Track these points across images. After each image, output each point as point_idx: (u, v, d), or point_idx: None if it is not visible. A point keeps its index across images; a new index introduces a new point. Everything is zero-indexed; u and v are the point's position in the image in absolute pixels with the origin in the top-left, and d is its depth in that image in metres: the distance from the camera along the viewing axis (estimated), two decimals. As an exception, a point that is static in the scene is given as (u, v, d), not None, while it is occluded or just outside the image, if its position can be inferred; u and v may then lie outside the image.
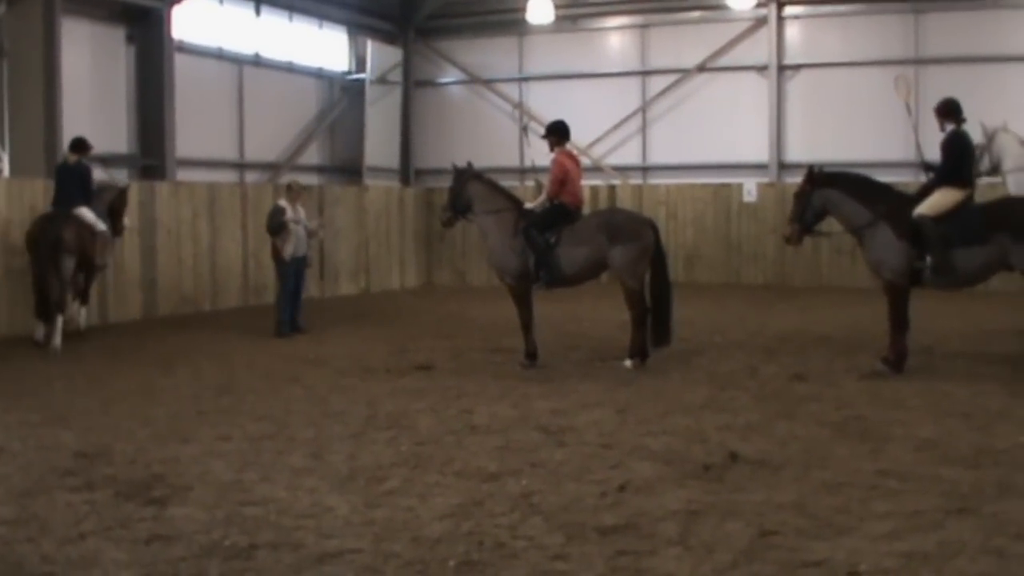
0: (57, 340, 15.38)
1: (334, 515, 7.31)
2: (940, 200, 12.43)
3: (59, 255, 15.67)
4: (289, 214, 16.97)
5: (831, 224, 13.48)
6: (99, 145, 20.25)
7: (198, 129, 22.36)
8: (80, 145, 16.50)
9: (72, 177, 16.30)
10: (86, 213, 16.24)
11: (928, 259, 12.31)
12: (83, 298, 17.15)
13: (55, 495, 7.85)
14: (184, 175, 21.56)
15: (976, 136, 14.00)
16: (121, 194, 17.65)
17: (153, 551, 6.62)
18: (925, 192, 12.72)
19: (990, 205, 12.59)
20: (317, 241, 18.66)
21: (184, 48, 22.11)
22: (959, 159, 12.61)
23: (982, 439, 9.26)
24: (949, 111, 12.81)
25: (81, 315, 17.13)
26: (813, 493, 7.64)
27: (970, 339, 15.31)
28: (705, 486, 7.88)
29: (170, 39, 21.08)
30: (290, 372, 13.53)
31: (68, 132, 18.81)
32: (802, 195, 13.19)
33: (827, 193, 13.00)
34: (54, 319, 15.52)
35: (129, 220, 17.95)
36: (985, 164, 14.11)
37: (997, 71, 23.25)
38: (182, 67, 21.53)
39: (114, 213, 17.25)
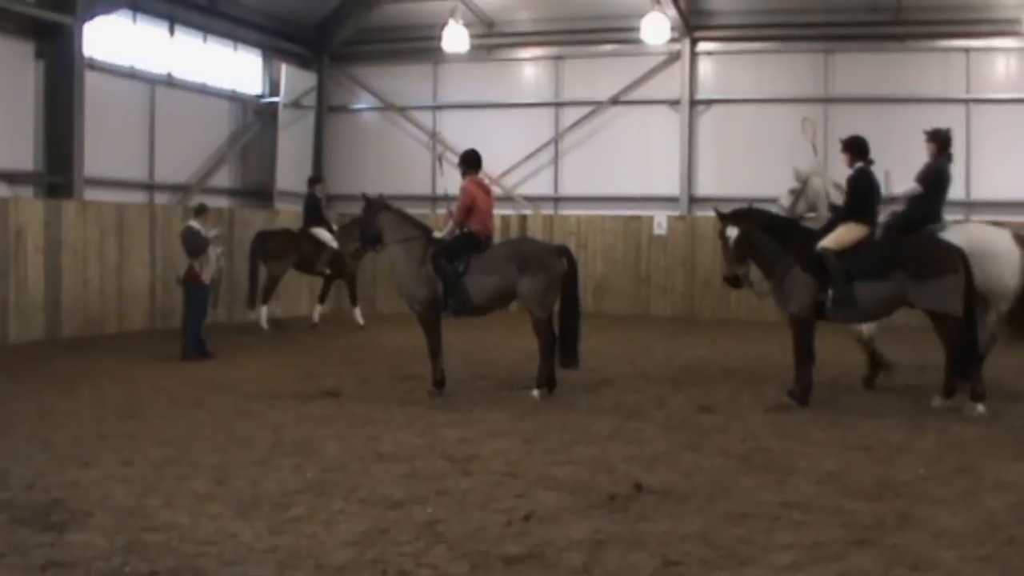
0: (262, 323, 21.50)
1: (237, 542, 7.23)
2: (844, 235, 12.66)
3: (261, 260, 21.72)
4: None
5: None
6: (4, 162, 19.97)
7: (107, 148, 22.03)
8: (312, 180, 23.43)
9: (308, 205, 22.57)
10: (319, 232, 21.98)
11: (830, 292, 12.52)
12: (320, 298, 22.96)
13: (-51, 519, 7.68)
14: (92, 195, 21.22)
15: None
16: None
17: (49, 577, 6.50)
18: (829, 228, 12.94)
19: (891, 242, 12.81)
20: (222, 265, 18.43)
21: (95, 66, 21.78)
22: (864, 196, 12.85)
23: (884, 471, 9.40)
24: (856, 149, 13.04)
25: (316, 311, 22.69)
26: (717, 524, 7.70)
27: (878, 375, 15.52)
28: (610, 516, 7.91)
29: (81, 56, 20.75)
30: (195, 396, 13.38)
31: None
32: (746, 234, 13.15)
33: (751, 230, 13.09)
34: (257, 307, 21.58)
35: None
36: (801, 207, 14.44)
37: (903, 111, 23.68)
38: (93, 85, 21.20)
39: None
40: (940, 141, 13.80)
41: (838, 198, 14.39)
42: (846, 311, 12.67)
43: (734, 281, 13.45)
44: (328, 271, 22.15)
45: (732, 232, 13.24)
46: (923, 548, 7.13)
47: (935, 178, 13.54)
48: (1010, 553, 7.05)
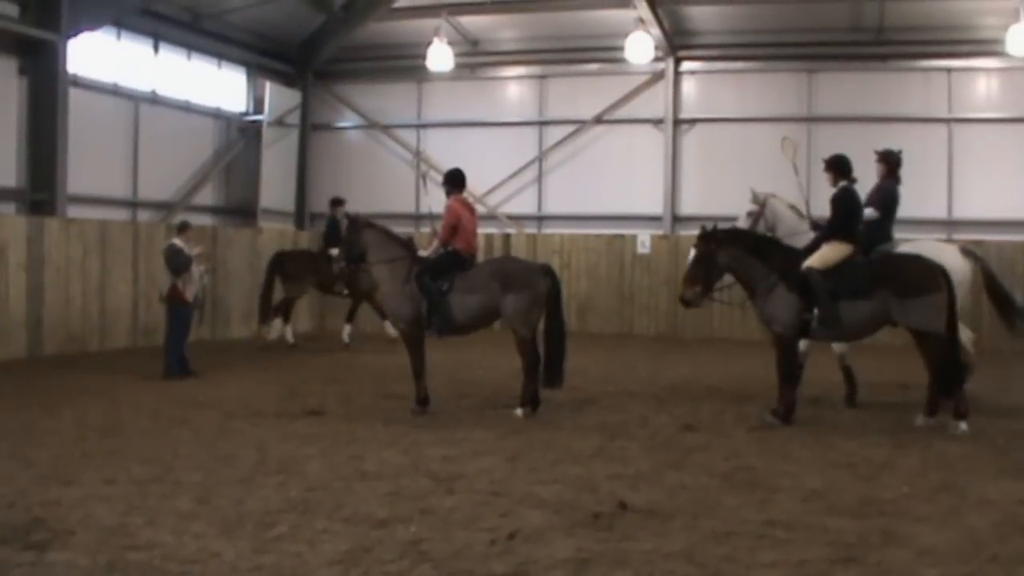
0: (287, 336, 22.01)
1: (221, 561, 7.19)
2: (828, 254, 12.69)
3: (275, 279, 22.02)
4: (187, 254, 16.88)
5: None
6: (-13, 179, 19.91)
7: (91, 165, 21.99)
8: (334, 202, 22.64)
9: (329, 227, 22.38)
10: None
11: (816, 311, 12.54)
12: (348, 317, 22.85)
13: (-71, 538, 7.63)
14: (75, 212, 21.18)
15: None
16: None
17: (31, 596, 6.46)
18: (813, 247, 12.96)
19: (874, 261, 12.86)
20: (206, 283, 18.35)
21: (79, 82, 21.75)
22: (849, 215, 12.89)
23: (867, 490, 9.41)
24: (839, 168, 13.10)
25: (345, 331, 22.58)
26: (702, 542, 7.69)
27: (857, 392, 15.56)
28: (595, 535, 7.89)
29: (65, 73, 20.71)
30: (178, 415, 13.32)
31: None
32: (707, 256, 13.22)
33: (732, 251, 13.12)
34: (266, 323, 22.11)
35: None
36: (760, 229, 14.62)
37: (886, 130, 23.80)
38: (76, 102, 21.16)
39: None
40: (891, 162, 14.13)
41: (794, 219, 14.60)
42: (831, 330, 12.68)
43: (685, 303, 13.51)
44: (346, 292, 22.20)
45: (691, 253, 13.35)
46: (907, 566, 7.14)
47: (888, 200, 13.77)
48: (994, 571, 7.06)
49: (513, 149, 27.29)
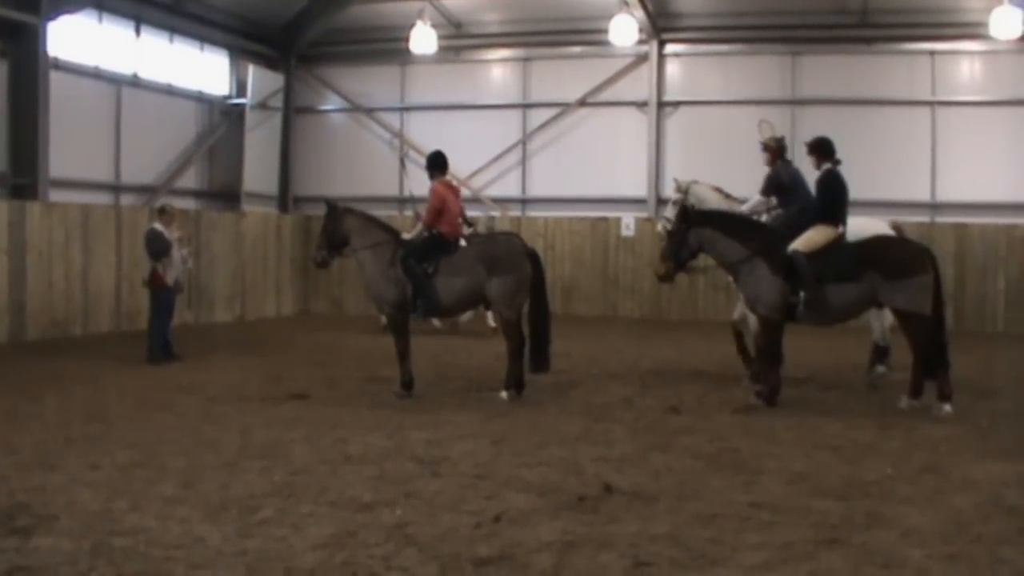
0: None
1: (205, 545, 7.17)
2: (814, 237, 12.68)
3: None
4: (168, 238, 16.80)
5: (704, 259, 13.69)
6: (-32, 163, 19.78)
7: (73, 149, 21.89)
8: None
9: None
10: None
11: (802, 295, 12.54)
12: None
13: (-88, 524, 7.59)
14: (57, 196, 21.07)
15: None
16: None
17: (15, 582, 6.43)
18: (798, 230, 12.94)
19: (861, 243, 12.86)
20: (190, 266, 18.29)
21: (60, 65, 21.64)
22: (833, 198, 12.88)
23: (852, 471, 9.43)
24: (823, 150, 13.07)
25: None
26: (687, 524, 7.70)
27: (841, 374, 15.61)
28: (580, 517, 7.90)
29: (45, 56, 20.60)
30: (162, 399, 13.28)
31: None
32: (677, 233, 13.30)
33: (703, 232, 13.13)
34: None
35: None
36: None
37: (869, 113, 23.92)
38: (57, 85, 21.06)
39: None
40: (775, 149, 14.26)
41: (719, 199, 14.85)
42: (818, 313, 12.68)
43: (659, 278, 13.85)
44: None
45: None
46: (892, 547, 7.16)
47: (776, 185, 13.97)
48: (977, 551, 7.08)
49: (497, 132, 27.25)
